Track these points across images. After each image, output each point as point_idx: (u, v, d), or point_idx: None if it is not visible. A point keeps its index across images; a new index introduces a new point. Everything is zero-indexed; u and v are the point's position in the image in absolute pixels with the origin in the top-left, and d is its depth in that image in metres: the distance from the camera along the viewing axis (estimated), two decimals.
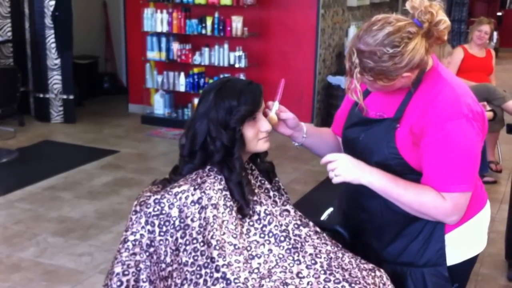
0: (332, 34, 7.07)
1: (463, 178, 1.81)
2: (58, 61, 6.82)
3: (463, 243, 1.99)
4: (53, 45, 6.76)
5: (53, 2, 6.63)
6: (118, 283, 1.81)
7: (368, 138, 1.94)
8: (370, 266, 1.90)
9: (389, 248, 2.02)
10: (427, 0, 1.78)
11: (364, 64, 1.77)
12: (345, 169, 1.86)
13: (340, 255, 1.90)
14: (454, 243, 1.96)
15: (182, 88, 6.87)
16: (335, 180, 1.87)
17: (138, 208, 1.84)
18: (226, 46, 6.58)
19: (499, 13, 14.69)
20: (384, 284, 1.86)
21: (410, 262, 1.98)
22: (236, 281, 1.69)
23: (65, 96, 6.94)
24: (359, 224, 2.09)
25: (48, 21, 6.71)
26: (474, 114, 1.80)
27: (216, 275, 1.69)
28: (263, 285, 1.73)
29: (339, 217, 2.24)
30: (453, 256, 1.97)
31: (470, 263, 2.05)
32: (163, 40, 6.85)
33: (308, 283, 1.76)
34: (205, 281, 1.70)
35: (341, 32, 7.31)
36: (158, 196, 1.82)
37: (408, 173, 1.88)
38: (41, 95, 6.96)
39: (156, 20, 6.79)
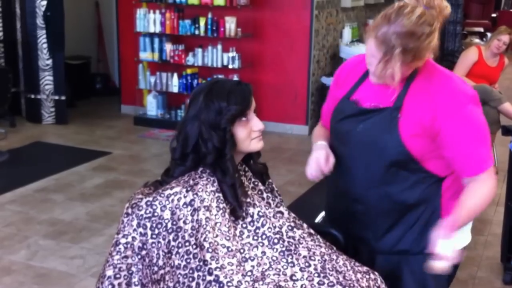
0: (326, 35, 7.05)
1: (489, 154, 1.95)
2: (49, 62, 6.78)
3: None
4: (45, 45, 6.72)
5: (44, 2, 6.59)
6: (110, 287, 1.80)
7: (367, 129, 1.94)
8: (365, 268, 1.89)
9: (385, 238, 2.01)
10: None
11: (404, 46, 1.80)
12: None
13: (334, 257, 1.89)
14: None
15: (175, 89, 6.85)
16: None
17: (130, 211, 1.83)
18: (219, 47, 6.55)
19: (494, 15, 14.76)
20: (378, 287, 1.85)
21: (406, 250, 1.99)
22: (229, 284, 1.67)
23: (56, 97, 6.89)
24: (352, 217, 2.07)
25: (39, 21, 6.67)
26: (475, 97, 1.92)
27: (208, 278, 1.67)
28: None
29: (329, 217, 2.24)
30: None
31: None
32: (156, 40, 6.82)
33: (301, 286, 1.75)
34: (198, 284, 1.68)
35: (335, 33, 7.30)
36: (150, 198, 1.81)
37: (409, 162, 1.90)
38: (33, 96, 6.91)
39: (148, 21, 6.76)
